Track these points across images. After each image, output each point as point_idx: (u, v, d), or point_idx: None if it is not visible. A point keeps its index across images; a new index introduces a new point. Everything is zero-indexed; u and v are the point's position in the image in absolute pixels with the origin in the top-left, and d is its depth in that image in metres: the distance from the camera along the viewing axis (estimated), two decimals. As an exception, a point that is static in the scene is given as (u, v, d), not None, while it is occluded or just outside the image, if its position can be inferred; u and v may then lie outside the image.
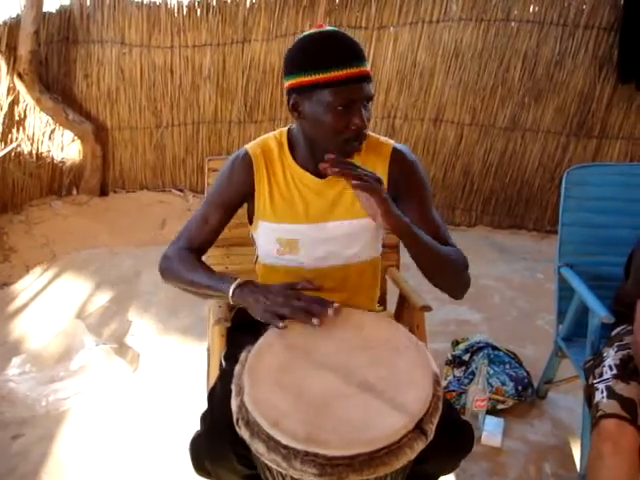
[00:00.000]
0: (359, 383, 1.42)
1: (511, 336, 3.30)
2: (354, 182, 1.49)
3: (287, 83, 1.67)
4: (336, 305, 1.56)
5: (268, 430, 1.31)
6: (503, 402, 2.75)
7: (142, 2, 4.35)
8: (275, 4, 4.33)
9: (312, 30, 1.67)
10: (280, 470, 1.31)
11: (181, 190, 4.93)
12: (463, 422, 1.76)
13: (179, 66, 4.53)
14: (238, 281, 1.64)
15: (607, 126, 4.48)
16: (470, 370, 2.82)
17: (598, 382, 1.96)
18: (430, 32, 4.38)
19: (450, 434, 1.65)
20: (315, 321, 1.52)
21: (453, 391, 2.77)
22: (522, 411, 2.80)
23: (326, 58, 1.59)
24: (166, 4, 4.35)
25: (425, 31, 4.37)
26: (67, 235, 4.21)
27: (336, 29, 1.68)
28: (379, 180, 1.54)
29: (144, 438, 2.55)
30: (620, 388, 1.88)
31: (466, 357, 2.91)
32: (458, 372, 2.87)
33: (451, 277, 1.80)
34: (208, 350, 2.19)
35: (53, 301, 3.50)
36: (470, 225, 4.88)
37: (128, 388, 2.84)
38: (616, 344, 2.09)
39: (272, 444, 1.30)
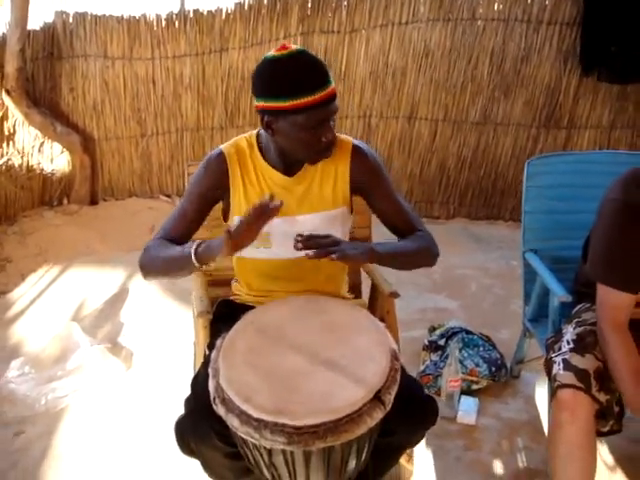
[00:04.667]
0: (323, 361, 1.58)
1: (487, 321, 3.43)
2: (333, 257, 1.68)
3: (259, 104, 1.79)
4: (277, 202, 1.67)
5: (241, 405, 1.47)
6: (477, 382, 2.87)
7: (122, 16, 4.49)
8: (250, 13, 4.47)
9: (278, 52, 1.76)
10: (253, 441, 1.47)
11: (168, 196, 5.06)
12: (427, 397, 1.91)
13: (160, 76, 4.67)
14: (198, 241, 1.75)
15: (575, 117, 4.63)
16: (446, 354, 2.95)
17: (556, 355, 2.06)
18: (400, 33, 4.51)
19: (414, 408, 1.81)
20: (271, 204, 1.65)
21: (430, 374, 2.91)
22: (496, 390, 2.92)
23: (297, 86, 1.72)
24: (145, 17, 4.50)
25: (395, 33, 4.51)
26: (60, 243, 4.32)
27: (301, 49, 1.79)
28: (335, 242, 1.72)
29: (138, 431, 2.67)
30: (576, 360, 1.98)
31: (442, 342, 3.04)
32: (434, 356, 3.01)
33: (423, 263, 2.02)
34: (195, 344, 2.31)
35: (49, 306, 3.61)
36: (448, 217, 5.01)
37: (122, 385, 2.95)
38: (575, 321, 2.19)
39: (245, 418, 1.46)
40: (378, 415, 1.49)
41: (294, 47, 1.78)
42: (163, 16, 4.53)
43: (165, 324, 3.47)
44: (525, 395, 2.92)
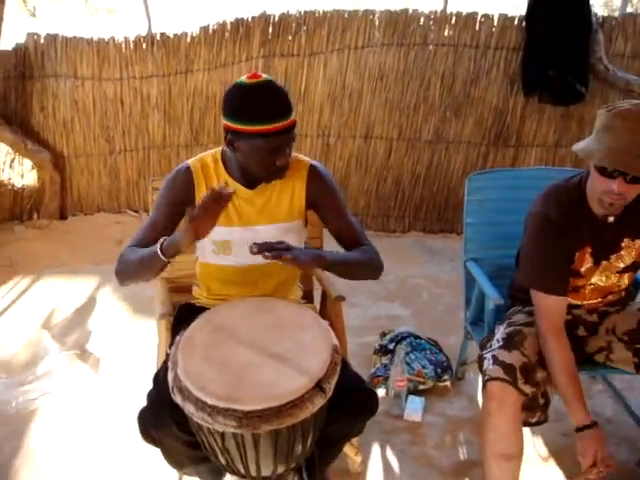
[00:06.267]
0: (271, 355, 1.78)
1: (436, 328, 3.61)
2: (287, 256, 1.84)
3: (226, 123, 1.96)
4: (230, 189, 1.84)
5: (196, 394, 1.66)
6: (424, 383, 3.06)
7: (92, 38, 4.66)
8: (214, 37, 4.66)
9: (249, 79, 1.93)
10: (207, 426, 1.66)
11: (136, 211, 5.21)
12: (367, 389, 2.09)
13: (128, 96, 4.84)
14: (163, 237, 1.90)
15: (522, 136, 4.88)
16: (395, 357, 3.12)
17: (487, 352, 2.23)
18: (356, 57, 4.72)
19: (356, 399, 2.00)
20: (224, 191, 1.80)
21: (380, 376, 3.08)
22: (442, 390, 3.10)
23: (260, 113, 1.89)
24: (114, 40, 4.67)
25: (352, 56, 4.72)
26: (30, 256, 4.44)
27: (270, 79, 1.96)
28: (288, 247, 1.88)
29: (104, 429, 2.80)
30: (503, 356, 2.15)
31: (391, 346, 3.21)
32: (385, 359, 3.18)
33: (367, 275, 2.17)
34: (158, 346, 2.43)
35: (20, 316, 3.72)
36: (404, 231, 5.20)
37: (90, 388, 3.07)
38: (506, 322, 2.38)
39: (200, 404, 1.64)
40: (319, 402, 1.68)
41: (264, 76, 1.95)
42: (131, 38, 4.70)
43: (131, 331, 3.60)
44: (468, 395, 3.09)
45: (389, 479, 2.56)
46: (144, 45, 4.71)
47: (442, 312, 3.92)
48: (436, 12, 4.65)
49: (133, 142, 5.02)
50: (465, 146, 4.93)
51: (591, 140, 2.08)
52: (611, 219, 2.19)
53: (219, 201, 1.81)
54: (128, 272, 2.03)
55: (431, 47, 4.70)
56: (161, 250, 1.87)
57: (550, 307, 2.20)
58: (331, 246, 2.26)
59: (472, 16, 4.64)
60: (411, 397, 2.99)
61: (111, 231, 4.93)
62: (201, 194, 2.04)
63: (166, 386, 1.76)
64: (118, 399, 3.01)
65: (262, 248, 1.84)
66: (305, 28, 4.67)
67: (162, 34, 4.70)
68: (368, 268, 2.14)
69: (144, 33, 4.71)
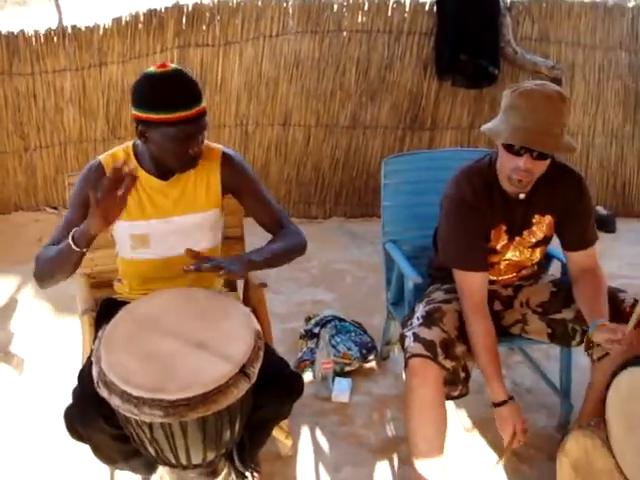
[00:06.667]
0: (194, 343, 1.79)
1: (361, 310, 3.68)
2: (221, 273, 1.88)
3: (135, 113, 1.97)
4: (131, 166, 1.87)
5: (121, 386, 1.66)
6: (350, 364, 3.11)
7: (1, 32, 4.54)
8: (127, 29, 4.62)
9: (157, 69, 1.95)
10: (134, 417, 1.66)
11: (55, 208, 5.13)
12: (292, 373, 2.12)
13: (41, 91, 4.76)
14: (74, 229, 1.89)
15: (437, 119, 5.00)
16: (320, 341, 3.16)
17: (407, 330, 2.29)
18: (271, 45, 4.76)
19: (281, 383, 2.03)
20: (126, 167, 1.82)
21: (307, 360, 3.12)
22: (368, 371, 3.16)
23: (170, 101, 1.90)
24: (23, 33, 4.57)
25: (267, 45, 4.75)
26: (-54, 259, 4.30)
27: (178, 69, 1.98)
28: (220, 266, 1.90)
29: (32, 432, 2.76)
30: (424, 333, 2.20)
31: (316, 330, 3.26)
32: (310, 344, 3.22)
33: (294, 257, 2.20)
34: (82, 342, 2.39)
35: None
36: (325, 217, 5.28)
37: (15, 390, 3.03)
38: (425, 300, 2.44)
39: (125, 397, 1.64)
40: (244, 387, 1.70)
41: (172, 66, 1.97)
42: (42, 32, 4.60)
43: (55, 330, 3.55)
44: (394, 373, 3.16)
45: (320, 460, 2.61)
46: (55, 39, 4.63)
47: (365, 294, 3.99)
48: (349, -1, 4.71)
49: (48, 138, 4.94)
50: (382, 130, 5.02)
51: (498, 120, 2.17)
52: (522, 196, 2.27)
53: (122, 180, 1.81)
54: (46, 271, 2.01)
55: (345, 34, 4.77)
56: (73, 241, 1.86)
57: (472, 284, 2.28)
58: (251, 232, 2.27)
59: (384, 2, 4.74)
60: (338, 379, 3.03)
61: (30, 229, 4.84)
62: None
63: (91, 382, 1.75)
64: (44, 399, 2.96)
65: (196, 269, 1.88)
66: (219, 18, 4.68)
67: (73, 27, 4.63)
68: (294, 252, 2.19)
69: (55, 26, 4.62)
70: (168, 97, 1.91)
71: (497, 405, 2.17)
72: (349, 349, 3.16)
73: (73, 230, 1.89)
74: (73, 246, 1.86)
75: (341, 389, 2.98)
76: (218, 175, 2.17)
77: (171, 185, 2.12)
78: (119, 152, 2.14)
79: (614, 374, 1.89)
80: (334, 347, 3.13)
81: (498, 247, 2.39)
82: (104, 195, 1.80)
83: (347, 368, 3.12)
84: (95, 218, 1.82)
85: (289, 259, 2.19)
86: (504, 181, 2.23)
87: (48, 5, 4.73)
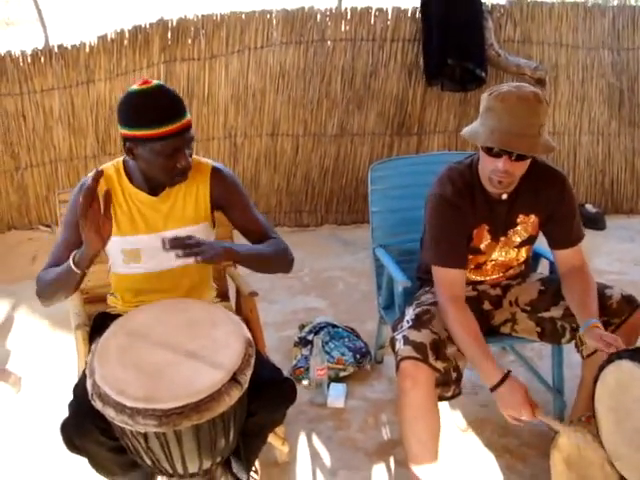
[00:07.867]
0: (186, 353, 1.81)
1: (354, 316, 3.71)
2: (198, 258, 1.87)
3: (122, 132, 1.99)
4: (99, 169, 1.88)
5: (115, 398, 1.68)
6: (344, 370, 3.14)
7: (-13, 54, 4.54)
8: (112, 46, 4.65)
9: (140, 86, 1.97)
10: (129, 428, 1.68)
11: (48, 226, 5.14)
12: (285, 379, 2.13)
13: (30, 110, 4.78)
14: (75, 251, 1.92)
15: (424, 123, 5.04)
16: (313, 348, 3.20)
17: (398, 334, 2.30)
18: (257, 57, 4.79)
19: (274, 390, 2.05)
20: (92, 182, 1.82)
21: (302, 367, 3.15)
22: (362, 376, 3.18)
23: (155, 117, 1.92)
24: (10, 54, 4.60)
25: (252, 57, 4.79)
26: (-59, 279, 4.32)
27: (160, 84, 2.00)
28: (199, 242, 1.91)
29: (31, 449, 2.76)
30: (414, 336, 2.22)
31: (310, 337, 3.28)
32: (305, 351, 3.24)
33: (278, 267, 2.23)
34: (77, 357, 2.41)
35: None
36: (317, 225, 5.30)
37: (13, 407, 3.04)
38: (415, 303, 2.47)
39: (119, 408, 1.66)
40: (236, 394, 1.72)
41: (155, 82, 1.99)
42: (28, 52, 4.64)
43: (51, 347, 3.56)
44: (388, 377, 3.17)
45: (317, 465, 2.63)
46: (42, 58, 4.67)
47: (358, 300, 4.01)
48: (331, 9, 4.76)
49: (39, 156, 4.96)
50: (370, 137, 5.06)
51: (477, 123, 2.21)
52: (504, 197, 2.31)
53: (92, 196, 1.82)
54: (48, 291, 2.05)
55: (329, 43, 4.82)
56: (74, 263, 1.90)
57: (450, 280, 2.29)
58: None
59: (367, 10, 4.78)
60: (333, 385, 3.06)
61: (24, 248, 4.86)
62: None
63: (86, 395, 1.77)
64: (42, 416, 2.97)
65: (173, 244, 1.87)
66: (204, 32, 4.71)
67: (60, 46, 4.66)
68: (278, 260, 2.20)
69: (41, 46, 4.65)
70: (152, 113, 1.93)
71: (494, 388, 2.11)
72: (343, 355, 3.18)
73: (73, 253, 1.92)
74: (74, 268, 1.90)
75: (336, 395, 3.00)
76: (207, 189, 2.19)
77: (161, 200, 2.15)
78: (109, 169, 2.16)
79: (601, 368, 1.91)
80: (328, 353, 3.16)
81: (482, 247, 2.42)
82: (84, 221, 1.82)
83: (342, 374, 3.15)
84: (87, 237, 1.85)
85: (272, 267, 2.22)
86: (486, 182, 2.27)
87: (35, 24, 4.74)
